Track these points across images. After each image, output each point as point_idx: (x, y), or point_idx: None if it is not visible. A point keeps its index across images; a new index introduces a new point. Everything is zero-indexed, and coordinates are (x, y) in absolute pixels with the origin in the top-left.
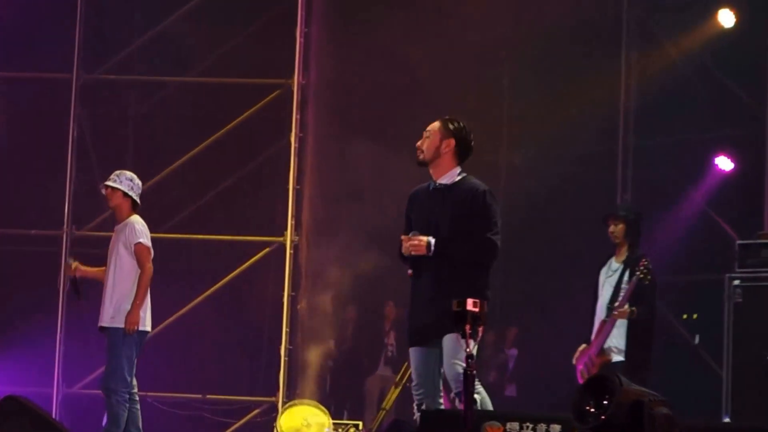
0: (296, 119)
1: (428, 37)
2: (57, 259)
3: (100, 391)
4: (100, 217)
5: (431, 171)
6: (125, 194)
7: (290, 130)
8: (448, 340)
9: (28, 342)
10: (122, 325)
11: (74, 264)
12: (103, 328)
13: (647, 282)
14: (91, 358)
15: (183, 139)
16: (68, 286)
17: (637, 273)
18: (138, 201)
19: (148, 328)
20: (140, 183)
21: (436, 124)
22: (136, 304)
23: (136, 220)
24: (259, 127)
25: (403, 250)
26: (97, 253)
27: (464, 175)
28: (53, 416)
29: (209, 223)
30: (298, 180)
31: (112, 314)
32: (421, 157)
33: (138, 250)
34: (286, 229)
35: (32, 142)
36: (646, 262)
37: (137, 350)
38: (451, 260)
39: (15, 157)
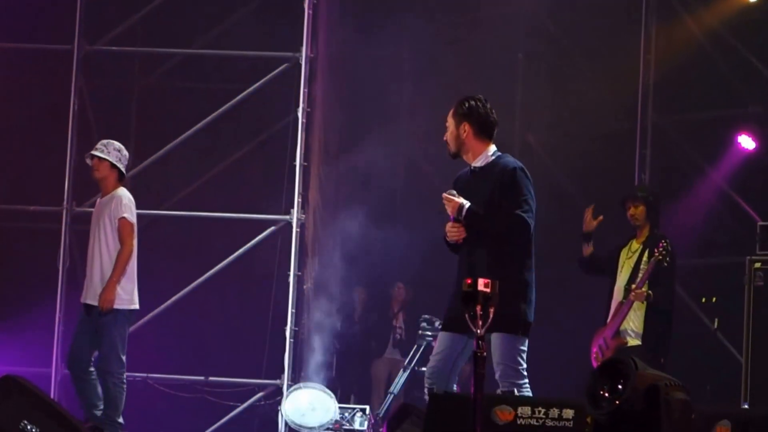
0: (304, 93)
1: (441, 11)
2: (57, 236)
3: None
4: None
5: (465, 158)
6: (113, 165)
7: (297, 105)
8: (496, 339)
9: (26, 321)
10: (114, 306)
11: None
12: (89, 306)
13: (666, 264)
14: None
15: (187, 113)
16: None
17: (656, 254)
18: (125, 173)
19: (137, 306)
20: (127, 154)
21: (449, 113)
22: (113, 281)
23: (124, 193)
24: (266, 102)
25: (446, 207)
26: None
27: (499, 154)
28: (51, 396)
29: (213, 200)
30: (306, 156)
31: (99, 292)
32: (449, 149)
33: (121, 224)
34: (292, 206)
35: (32, 116)
36: (665, 244)
37: (128, 328)
38: (486, 242)
39: (14, 131)
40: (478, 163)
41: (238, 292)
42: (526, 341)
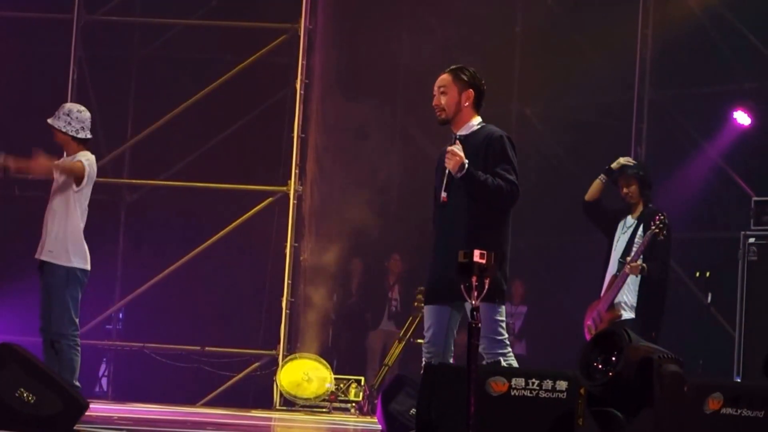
0: (302, 65)
1: None
2: None
3: (98, 342)
4: (98, 162)
5: (451, 126)
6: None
7: (296, 77)
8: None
9: (22, 290)
10: (64, 263)
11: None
12: (42, 264)
13: (662, 237)
14: (87, 308)
15: (186, 84)
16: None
17: (652, 227)
18: (79, 137)
19: (88, 267)
20: (84, 117)
21: (448, 78)
22: (54, 162)
23: (84, 154)
24: (264, 73)
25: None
26: (95, 200)
27: (483, 124)
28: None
29: (211, 171)
30: (303, 128)
31: (50, 248)
32: (443, 116)
33: (74, 163)
34: (290, 178)
35: (30, 84)
36: (662, 217)
37: (81, 290)
38: (465, 212)
39: (12, 99)
40: (463, 131)
41: (235, 263)
42: (504, 309)
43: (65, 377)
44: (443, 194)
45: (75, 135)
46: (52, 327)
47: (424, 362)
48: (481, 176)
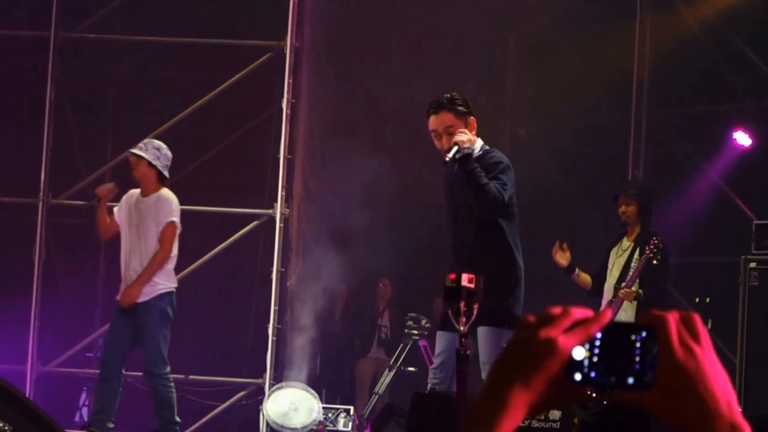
0: (288, 84)
1: (429, 1)
2: (32, 229)
3: (77, 370)
4: (77, 184)
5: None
6: (150, 164)
7: (282, 96)
8: (482, 335)
9: (0, 316)
10: (156, 302)
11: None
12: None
13: (656, 262)
14: (67, 334)
15: (167, 104)
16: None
17: (647, 252)
18: (165, 174)
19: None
20: (170, 156)
21: (451, 117)
22: (142, 279)
23: (169, 195)
24: (249, 92)
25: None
26: (75, 223)
27: (487, 148)
28: (27, 395)
29: (195, 193)
30: (290, 149)
31: (145, 291)
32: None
33: (167, 228)
34: (276, 200)
35: (6, 104)
36: (656, 241)
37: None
38: (478, 235)
39: None
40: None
41: (219, 288)
42: None
43: (163, 414)
44: (447, 155)
45: (162, 170)
46: (146, 366)
47: (429, 387)
48: (476, 165)
